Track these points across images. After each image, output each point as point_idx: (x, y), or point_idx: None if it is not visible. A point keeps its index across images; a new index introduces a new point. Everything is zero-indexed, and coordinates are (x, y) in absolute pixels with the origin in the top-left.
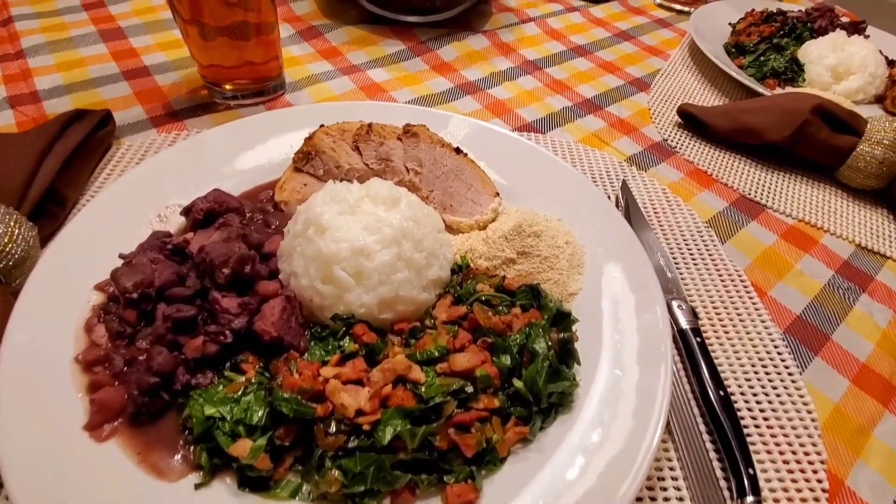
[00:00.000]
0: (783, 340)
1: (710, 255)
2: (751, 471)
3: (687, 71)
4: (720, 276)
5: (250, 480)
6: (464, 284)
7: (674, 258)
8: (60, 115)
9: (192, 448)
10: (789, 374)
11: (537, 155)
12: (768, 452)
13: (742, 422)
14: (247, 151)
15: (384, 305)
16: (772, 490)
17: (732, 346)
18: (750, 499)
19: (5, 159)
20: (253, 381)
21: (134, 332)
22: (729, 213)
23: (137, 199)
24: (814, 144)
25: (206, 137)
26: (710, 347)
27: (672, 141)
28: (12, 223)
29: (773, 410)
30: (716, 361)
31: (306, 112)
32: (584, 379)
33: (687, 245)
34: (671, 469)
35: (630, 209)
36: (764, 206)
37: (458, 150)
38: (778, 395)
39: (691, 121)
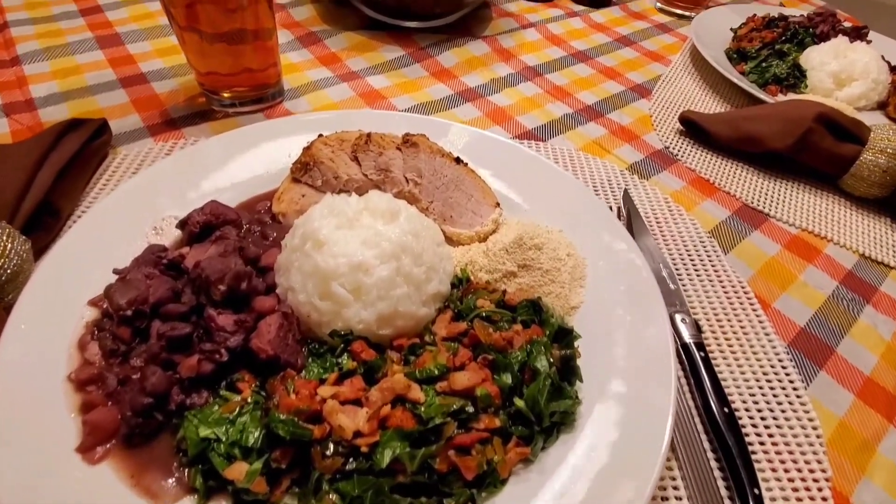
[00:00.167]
0: (787, 354)
1: (712, 265)
2: (756, 490)
3: (688, 77)
4: (723, 287)
5: None
6: (464, 299)
7: (676, 269)
8: (55, 125)
9: (186, 470)
10: (794, 388)
11: (538, 164)
12: (773, 471)
13: (747, 438)
14: (244, 162)
15: (383, 321)
16: None
17: (736, 360)
18: None
19: None
20: (249, 400)
21: (128, 350)
22: (732, 223)
23: (133, 212)
24: (817, 153)
25: (203, 147)
26: (713, 361)
27: (674, 149)
28: (5, 237)
29: (778, 427)
30: (720, 376)
31: (304, 121)
32: (586, 396)
33: (689, 256)
34: (675, 488)
35: (632, 219)
36: (767, 216)
37: (458, 160)
38: (783, 411)
39: (693, 128)
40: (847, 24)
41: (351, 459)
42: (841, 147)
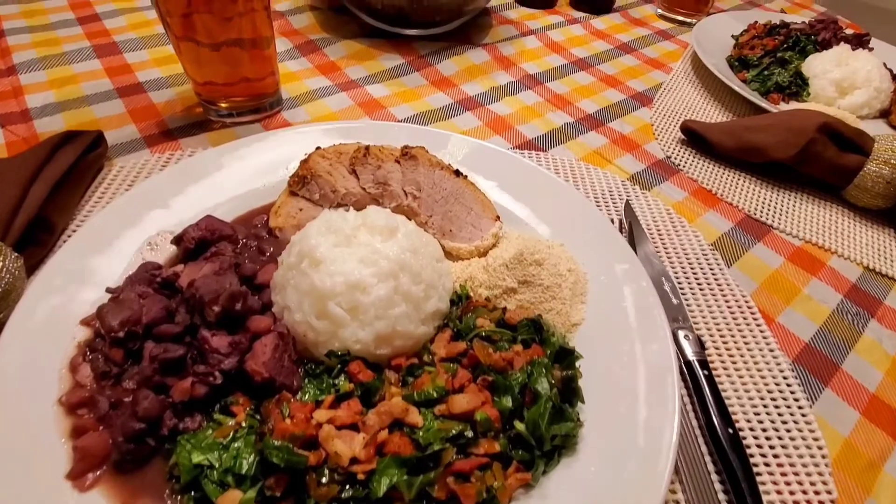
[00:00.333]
0: (792, 371)
1: (715, 279)
2: None
3: (689, 85)
4: (726, 301)
5: None
6: (463, 318)
7: (679, 283)
8: (50, 138)
9: (179, 497)
10: (799, 407)
11: (539, 176)
12: (778, 493)
13: (751, 460)
14: (241, 175)
15: (381, 341)
16: None
17: (740, 377)
18: None
19: None
20: (243, 424)
21: (120, 372)
22: (734, 234)
23: (127, 227)
24: (820, 163)
25: (199, 161)
26: (717, 379)
27: (675, 158)
28: None
29: (784, 447)
30: (723, 394)
31: (302, 133)
32: (588, 417)
33: (692, 269)
34: None
35: (634, 232)
36: (770, 227)
37: (457, 173)
38: (788, 431)
39: (695, 137)
40: (849, 31)
41: (347, 487)
42: (844, 158)
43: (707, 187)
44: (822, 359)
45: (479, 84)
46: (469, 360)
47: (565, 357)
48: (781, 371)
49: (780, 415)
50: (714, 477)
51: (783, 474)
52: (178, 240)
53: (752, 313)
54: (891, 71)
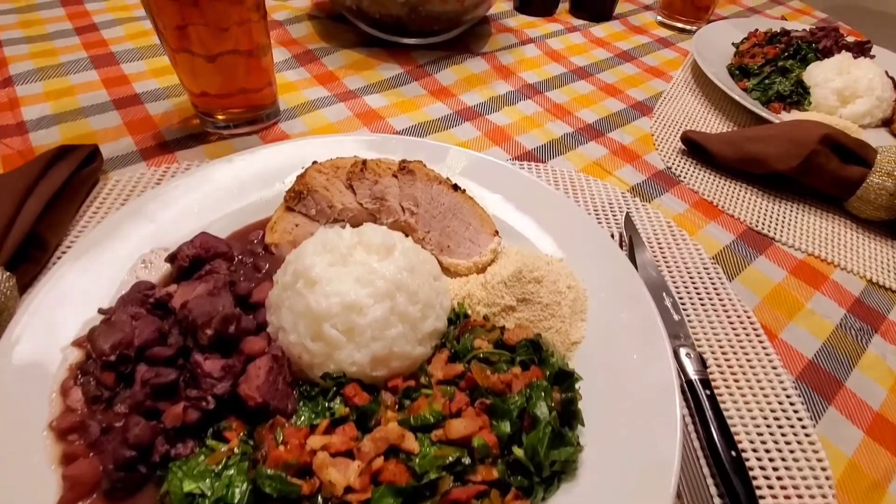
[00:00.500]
0: (795, 389)
1: (717, 294)
2: None
3: (690, 94)
4: (728, 317)
5: None
6: (461, 339)
7: (680, 297)
8: (45, 153)
9: None
10: (802, 426)
11: (538, 190)
12: None
13: (754, 482)
14: (236, 189)
15: (377, 362)
16: None
17: (743, 396)
18: None
19: None
20: (236, 450)
21: (112, 396)
22: (736, 248)
23: (121, 245)
24: (822, 175)
25: (194, 176)
26: (719, 397)
27: (676, 169)
28: None
29: (787, 469)
30: (726, 414)
31: (298, 146)
32: (588, 441)
33: (693, 283)
34: None
35: (634, 246)
36: (772, 240)
37: (455, 187)
38: (791, 451)
39: (695, 148)
40: (850, 39)
41: None
42: (847, 169)
43: (708, 199)
44: (826, 376)
45: (477, 94)
46: (466, 382)
47: (565, 379)
48: (784, 389)
49: (783, 435)
50: (717, 501)
51: (787, 497)
52: (172, 258)
53: (755, 329)
54: (893, 79)
